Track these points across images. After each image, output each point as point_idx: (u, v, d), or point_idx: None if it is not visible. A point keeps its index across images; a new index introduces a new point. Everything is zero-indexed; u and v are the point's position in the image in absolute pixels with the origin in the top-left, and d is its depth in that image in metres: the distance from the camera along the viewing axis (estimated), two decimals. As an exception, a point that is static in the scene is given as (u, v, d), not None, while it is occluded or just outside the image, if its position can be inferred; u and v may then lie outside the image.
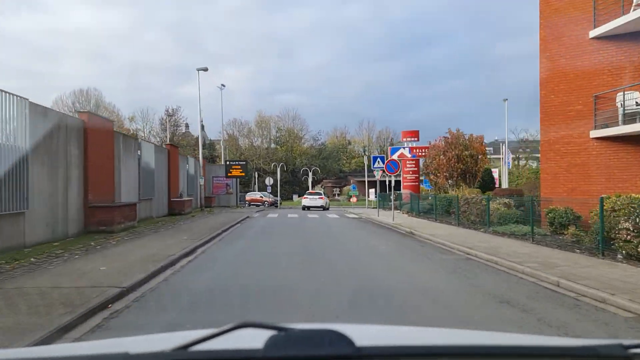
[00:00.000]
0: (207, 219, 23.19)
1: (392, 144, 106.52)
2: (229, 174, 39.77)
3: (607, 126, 14.35)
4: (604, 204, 10.74)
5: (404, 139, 36.26)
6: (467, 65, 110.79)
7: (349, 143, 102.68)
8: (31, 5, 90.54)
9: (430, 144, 28.94)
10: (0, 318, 5.43)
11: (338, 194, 70.47)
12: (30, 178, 11.80)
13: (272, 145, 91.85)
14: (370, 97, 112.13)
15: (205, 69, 30.08)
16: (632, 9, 13.61)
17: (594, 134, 14.64)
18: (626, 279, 7.96)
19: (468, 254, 11.57)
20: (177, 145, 31.81)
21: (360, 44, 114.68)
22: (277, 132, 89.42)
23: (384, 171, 25.42)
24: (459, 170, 26.51)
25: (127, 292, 6.97)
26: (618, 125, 13.91)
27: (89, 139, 15.19)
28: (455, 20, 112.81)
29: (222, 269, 9.76)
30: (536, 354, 1.20)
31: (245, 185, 78.56)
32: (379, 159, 24.99)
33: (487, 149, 30.18)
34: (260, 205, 44.94)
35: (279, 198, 46.84)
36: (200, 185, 30.50)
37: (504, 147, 39.24)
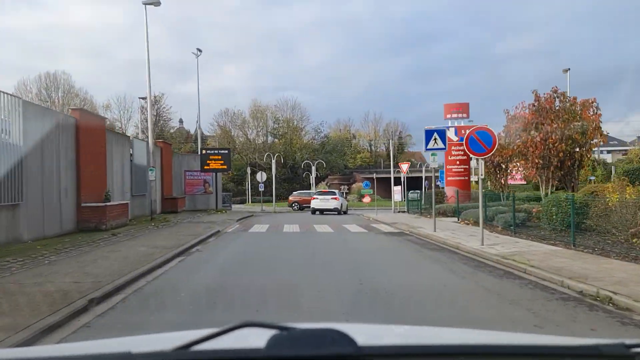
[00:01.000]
0: (99, 251, 12.72)
1: (400, 138, 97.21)
2: (205, 167, 29.46)
3: None
4: None
5: (448, 116, 25.98)
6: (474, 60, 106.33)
7: (354, 137, 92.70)
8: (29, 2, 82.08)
9: (508, 114, 18.58)
10: None
11: (346, 193, 59.58)
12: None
13: (270, 139, 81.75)
14: (373, 95, 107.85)
15: (157, 3, 19.74)
16: None
17: None
18: None
19: None
20: (102, 118, 21.40)
21: (364, 41, 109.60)
22: (274, 122, 79.08)
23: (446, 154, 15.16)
24: (560, 155, 16.28)
25: None
26: None
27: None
28: (457, 18, 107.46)
29: None
30: (539, 353, 1.17)
31: (238, 183, 68.53)
32: (436, 136, 14.47)
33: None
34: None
35: (274, 200, 36.51)
36: (151, 180, 20.16)
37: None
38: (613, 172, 26.50)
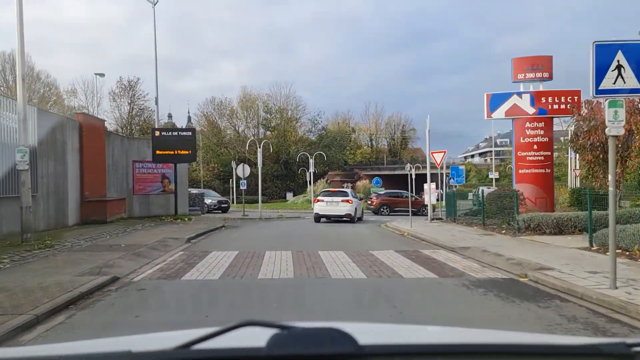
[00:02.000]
0: None
1: (403, 132, 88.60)
2: (158, 152, 20.58)
3: None
4: None
5: (519, 76, 17.13)
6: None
7: (353, 131, 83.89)
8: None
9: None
10: None
11: (351, 192, 50.56)
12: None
13: (261, 131, 72.79)
14: (373, 94, 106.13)
15: None
16: None
17: None
18: None
19: None
20: None
21: (363, 39, 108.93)
22: (266, 112, 70.08)
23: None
24: None
25: None
26: None
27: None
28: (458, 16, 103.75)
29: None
30: (539, 353, 1.16)
31: (225, 180, 59.59)
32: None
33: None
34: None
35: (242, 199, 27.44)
36: (21, 171, 10.96)
37: None
38: None
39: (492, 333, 1.71)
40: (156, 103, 23.22)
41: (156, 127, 23.22)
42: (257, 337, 1.04)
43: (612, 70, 6.24)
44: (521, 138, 16.93)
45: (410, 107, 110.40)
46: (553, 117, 16.99)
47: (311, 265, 8.68)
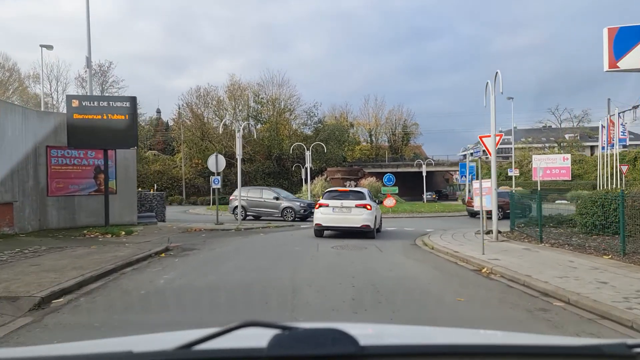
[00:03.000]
0: None
1: (405, 127, 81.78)
2: (75, 133, 13.43)
3: None
4: None
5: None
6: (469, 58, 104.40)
7: (352, 126, 77.15)
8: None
9: None
10: None
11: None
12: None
13: (251, 124, 65.64)
14: (371, 91, 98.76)
15: None
16: None
17: None
18: None
19: None
20: None
21: (360, 36, 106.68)
22: (256, 102, 62.92)
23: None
24: None
25: None
26: None
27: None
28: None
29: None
30: (540, 354, 1.15)
31: (209, 178, 52.50)
32: None
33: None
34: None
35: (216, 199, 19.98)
36: None
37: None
38: None
39: (494, 334, 1.75)
40: (88, 66, 16.06)
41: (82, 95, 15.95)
42: (258, 338, 1.02)
43: None
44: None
45: (408, 104, 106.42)
46: None
47: None
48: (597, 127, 39.17)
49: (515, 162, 58.69)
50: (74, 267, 7.80)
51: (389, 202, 26.59)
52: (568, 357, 1.13)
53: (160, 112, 76.86)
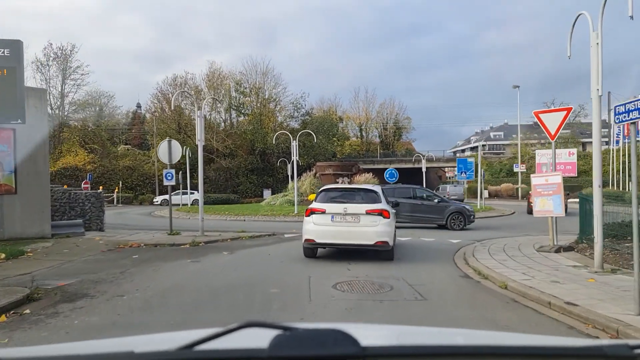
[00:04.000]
0: None
1: (397, 121, 77.33)
2: None
3: None
4: None
5: None
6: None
7: (341, 120, 72.45)
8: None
9: None
10: None
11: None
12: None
13: (234, 116, 60.51)
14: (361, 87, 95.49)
15: None
16: None
17: None
18: None
19: None
20: None
21: (350, 32, 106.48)
22: (237, 92, 57.68)
23: None
24: None
25: None
26: None
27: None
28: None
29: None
30: (541, 354, 1.14)
31: (191, 174, 46.70)
32: None
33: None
34: None
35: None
36: None
37: None
38: None
39: (494, 335, 1.74)
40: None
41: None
42: (259, 338, 1.02)
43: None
44: None
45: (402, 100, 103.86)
46: None
47: None
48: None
49: (514, 158, 54.86)
50: None
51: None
52: (569, 358, 1.12)
53: (140, 107, 71.51)
